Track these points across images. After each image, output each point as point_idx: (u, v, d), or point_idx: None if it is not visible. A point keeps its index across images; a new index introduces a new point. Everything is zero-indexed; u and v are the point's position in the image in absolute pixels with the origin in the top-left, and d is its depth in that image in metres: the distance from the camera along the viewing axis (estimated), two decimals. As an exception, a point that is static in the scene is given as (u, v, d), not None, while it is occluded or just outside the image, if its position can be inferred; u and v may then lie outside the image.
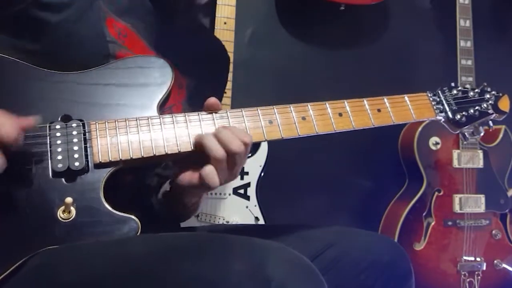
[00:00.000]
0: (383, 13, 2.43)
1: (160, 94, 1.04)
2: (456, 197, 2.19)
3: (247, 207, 2.04)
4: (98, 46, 1.08)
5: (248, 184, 2.05)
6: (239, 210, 2.03)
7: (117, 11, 1.13)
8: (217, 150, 0.95)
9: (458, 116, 1.20)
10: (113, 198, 0.93)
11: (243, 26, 2.20)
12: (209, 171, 0.96)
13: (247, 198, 2.04)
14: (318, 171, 2.35)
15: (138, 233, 0.91)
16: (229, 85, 1.97)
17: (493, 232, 2.22)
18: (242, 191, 2.04)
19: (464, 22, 2.24)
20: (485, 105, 1.22)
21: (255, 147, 2.08)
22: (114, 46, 1.10)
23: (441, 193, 2.19)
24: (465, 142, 2.20)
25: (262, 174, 2.07)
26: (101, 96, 1.02)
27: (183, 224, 1.93)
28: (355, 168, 2.43)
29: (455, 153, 2.21)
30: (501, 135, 2.28)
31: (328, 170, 2.37)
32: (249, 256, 0.77)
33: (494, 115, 1.23)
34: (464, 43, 2.22)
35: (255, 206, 2.04)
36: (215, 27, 2.00)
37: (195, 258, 0.78)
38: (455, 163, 2.21)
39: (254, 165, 2.06)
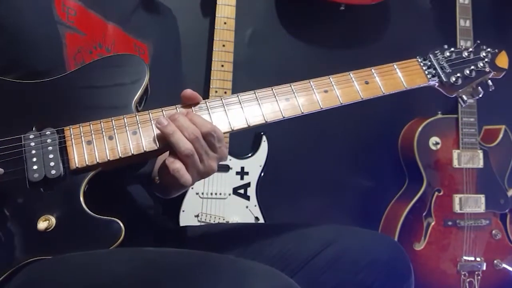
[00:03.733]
0: (383, 13, 2.44)
1: (136, 92, 1.01)
2: (456, 197, 2.19)
3: (247, 207, 2.04)
4: (46, 27, 1.07)
5: (248, 184, 2.05)
6: (239, 210, 2.03)
7: None
8: (184, 145, 0.93)
9: (453, 79, 1.14)
10: (97, 203, 0.92)
11: (243, 26, 2.20)
12: (178, 168, 0.94)
13: (247, 198, 2.04)
14: (318, 171, 2.35)
15: (122, 236, 0.89)
16: (228, 84, 1.97)
17: (493, 232, 2.22)
18: (242, 191, 2.04)
19: (464, 22, 2.25)
20: (481, 63, 1.17)
21: (255, 147, 2.08)
22: (61, 27, 1.08)
23: (441, 193, 2.19)
24: (463, 107, 2.17)
25: (262, 174, 2.07)
26: (75, 101, 1.00)
27: (182, 223, 1.94)
28: (355, 168, 2.43)
29: (455, 153, 2.21)
30: (501, 135, 2.28)
31: (328, 170, 2.37)
32: (233, 280, 0.75)
33: (492, 73, 1.17)
34: (464, 43, 2.22)
35: (255, 206, 2.04)
36: (215, 27, 2.00)
37: (178, 283, 0.75)
38: (455, 163, 2.21)
39: (254, 165, 2.06)
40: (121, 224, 0.90)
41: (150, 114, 0.98)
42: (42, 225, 0.88)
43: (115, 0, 1.23)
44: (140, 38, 1.24)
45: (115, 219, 0.91)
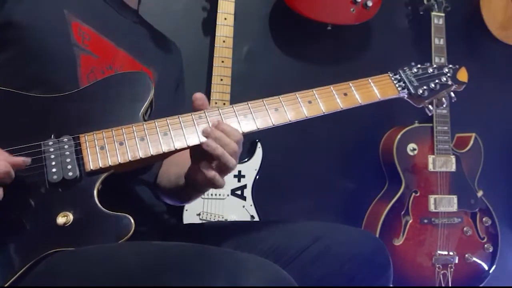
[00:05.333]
0: (366, 32, 2.45)
1: (142, 104, 1.03)
2: (431, 198, 2.20)
3: (243, 206, 2.04)
4: (63, 48, 1.08)
5: (245, 186, 2.05)
6: (236, 209, 2.03)
7: (81, 16, 1.13)
8: (232, 162, 0.96)
9: (420, 91, 1.18)
10: (109, 201, 0.93)
11: (240, 44, 2.21)
12: (215, 174, 0.97)
13: (244, 198, 2.05)
14: (307, 174, 2.36)
15: (132, 230, 0.90)
16: (227, 97, 1.98)
17: (464, 229, 2.23)
18: (239, 192, 2.05)
19: (438, 41, 2.26)
20: (444, 78, 1.21)
21: (250, 153, 2.09)
22: (77, 49, 1.10)
23: (418, 194, 2.20)
24: (438, 117, 2.20)
25: (257, 177, 2.07)
26: (89, 112, 1.02)
27: (185, 221, 1.93)
28: (340, 172, 2.43)
29: (430, 158, 2.22)
30: (471, 142, 2.30)
31: (317, 173, 2.37)
32: (230, 270, 0.75)
33: (454, 86, 1.22)
34: (439, 60, 2.23)
35: (251, 205, 2.04)
36: (215, 45, 2.01)
37: (180, 272, 0.76)
38: (430, 167, 2.22)
39: (250, 169, 2.07)
40: (131, 219, 0.91)
41: (156, 123, 1.00)
42: (61, 220, 0.89)
43: (125, 30, 1.24)
44: (146, 65, 1.25)
45: (126, 214, 0.91)
